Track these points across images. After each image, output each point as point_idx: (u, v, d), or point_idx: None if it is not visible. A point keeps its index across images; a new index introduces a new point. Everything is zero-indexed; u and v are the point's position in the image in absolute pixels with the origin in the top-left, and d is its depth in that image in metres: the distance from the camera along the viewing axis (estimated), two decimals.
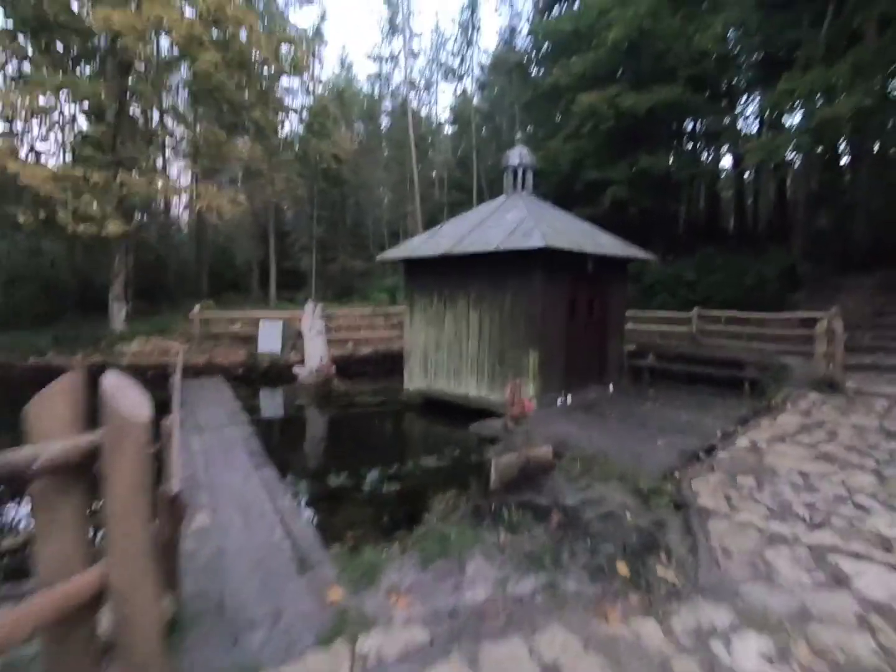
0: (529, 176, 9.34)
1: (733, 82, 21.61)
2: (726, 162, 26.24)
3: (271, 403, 11.14)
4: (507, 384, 7.74)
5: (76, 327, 16.82)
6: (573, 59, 20.34)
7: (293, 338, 14.47)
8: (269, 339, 13.83)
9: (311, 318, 11.35)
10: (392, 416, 9.56)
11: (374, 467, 6.20)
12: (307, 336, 11.43)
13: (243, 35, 14.42)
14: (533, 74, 28.18)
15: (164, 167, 17.33)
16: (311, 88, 16.81)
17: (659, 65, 19.06)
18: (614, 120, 18.71)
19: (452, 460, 6.48)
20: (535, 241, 7.03)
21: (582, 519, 3.23)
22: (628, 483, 4.13)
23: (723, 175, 27.51)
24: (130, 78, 13.40)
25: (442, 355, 9.06)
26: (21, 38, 14.15)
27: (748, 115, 24.38)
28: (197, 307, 14.80)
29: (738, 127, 22.80)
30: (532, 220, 7.80)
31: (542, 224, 7.69)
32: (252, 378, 13.07)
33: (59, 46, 14.25)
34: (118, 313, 14.62)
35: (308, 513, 4.72)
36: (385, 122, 37.06)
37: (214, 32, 11.82)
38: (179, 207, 23.67)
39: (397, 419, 9.41)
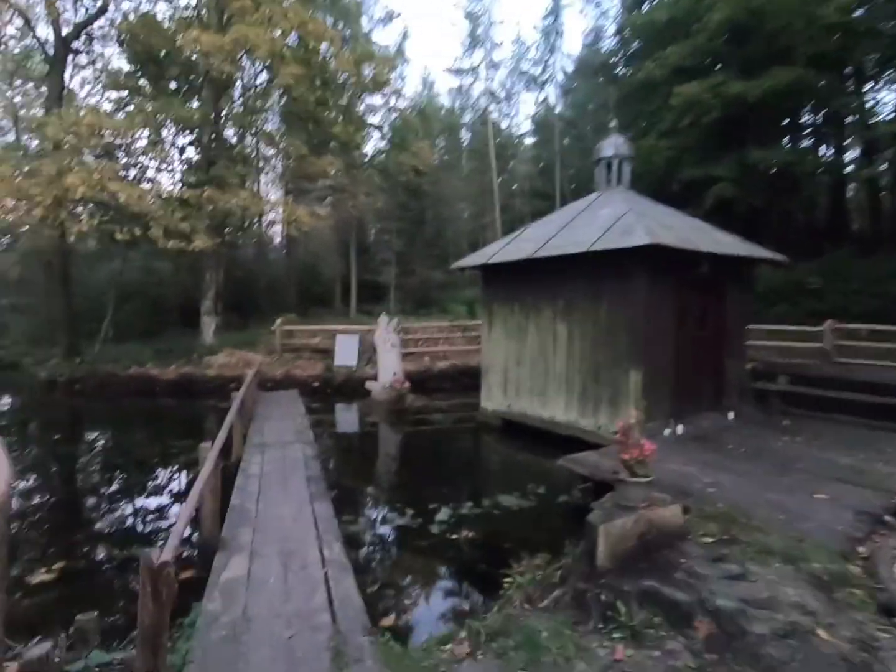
0: (626, 168, 8.14)
1: (863, 59, 18.55)
2: (852, 153, 22.64)
3: (343, 419, 10.73)
4: (612, 413, 6.60)
5: (176, 340, 17.91)
6: (669, 49, 18.60)
7: (369, 352, 14.15)
8: (346, 353, 13.60)
9: (385, 332, 10.86)
10: (468, 439, 8.68)
11: (445, 503, 5.33)
12: (381, 350, 10.95)
13: (325, 50, 14.67)
14: (621, 74, 26.55)
15: (258, 186, 18.12)
16: (392, 104, 16.82)
17: (771, 46, 16.81)
18: (719, 111, 16.71)
19: (538, 500, 5.43)
20: (638, 238, 5.87)
21: (747, 634, 2.11)
22: (796, 563, 2.89)
23: (849, 168, 23.79)
24: (223, 102, 14.04)
25: (524, 372, 8.05)
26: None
27: (881, 100, 20.87)
28: (278, 321, 15.02)
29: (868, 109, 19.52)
30: (633, 215, 6.62)
31: (645, 219, 6.50)
32: (327, 391, 12.87)
33: (169, 83, 15.44)
34: (208, 327, 15.22)
35: (361, 564, 3.92)
36: (465, 135, 36.98)
37: (296, 46, 12.03)
38: (270, 225, 24.77)
39: (473, 443, 8.50)
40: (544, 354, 7.68)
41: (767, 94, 15.95)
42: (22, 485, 6.51)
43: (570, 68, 33.31)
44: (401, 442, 8.69)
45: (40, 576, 3.80)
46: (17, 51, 19.30)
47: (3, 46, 18.89)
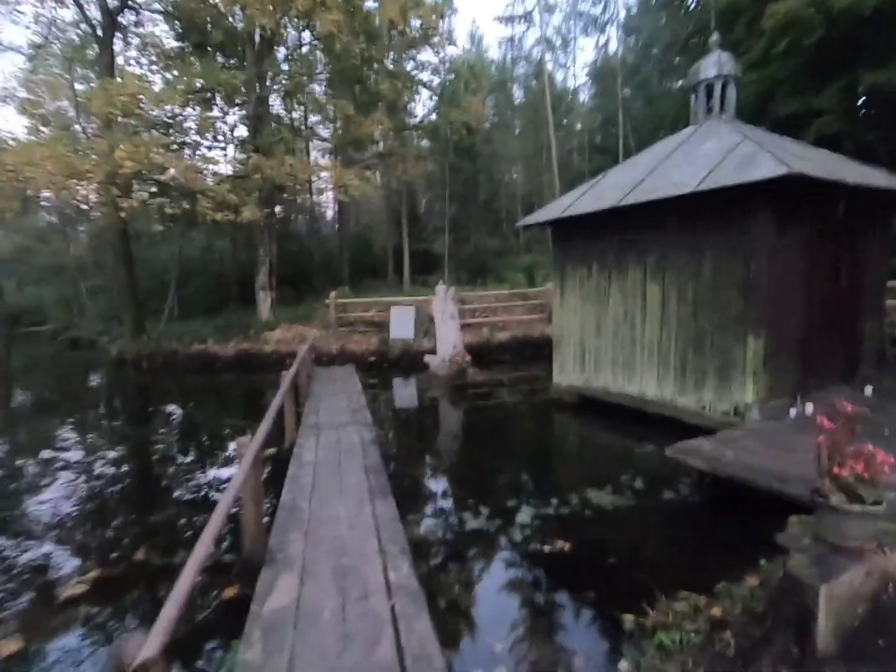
0: (732, 92, 6.67)
1: None
2: None
3: (400, 395, 10.08)
4: (721, 389, 5.44)
5: (235, 316, 18.04)
6: None
7: (426, 323, 13.46)
8: (401, 326, 12.97)
9: (443, 302, 10.04)
10: (539, 418, 7.77)
11: (525, 499, 4.53)
12: (439, 321, 10.16)
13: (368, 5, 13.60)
14: (693, 6, 23.50)
15: (306, 156, 17.48)
16: (441, 55, 15.55)
17: None
18: (823, 30, 14.15)
19: (636, 497, 4.50)
20: (765, 170, 4.60)
21: None
22: None
23: None
24: (267, 65, 13.35)
25: (605, 342, 7.00)
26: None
27: None
28: (332, 294, 14.59)
29: None
30: (751, 144, 5.31)
31: (768, 148, 5.16)
32: (383, 366, 12.35)
33: (214, 53, 14.94)
34: (264, 302, 15.04)
35: (431, 585, 3.17)
36: (517, 91, 34.73)
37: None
38: (320, 194, 24.16)
39: (546, 422, 7.59)
40: (630, 321, 6.58)
41: (885, 4, 13.25)
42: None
43: (633, 3, 30.03)
44: (465, 421, 7.93)
45: (70, 589, 3.36)
46: (73, 38, 19.49)
47: (59, 33, 19.14)
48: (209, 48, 14.32)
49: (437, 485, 5.32)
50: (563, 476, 5.36)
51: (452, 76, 16.67)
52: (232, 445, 6.87)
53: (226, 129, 17.79)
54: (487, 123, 23.04)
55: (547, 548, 3.58)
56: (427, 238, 24.49)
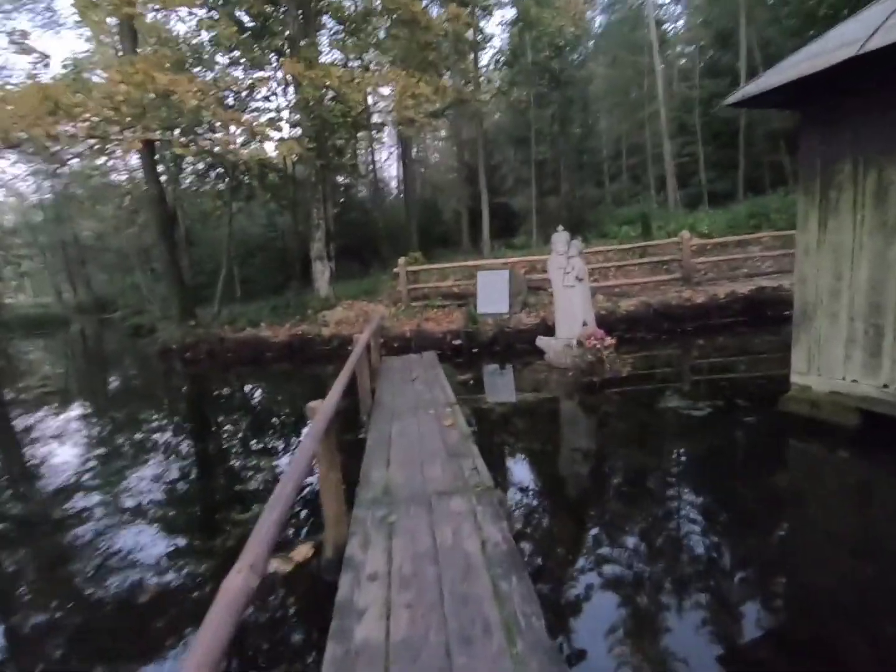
0: None
1: None
2: None
3: (501, 401, 6.65)
4: None
5: (295, 295, 15.86)
6: None
7: (524, 293, 10.23)
8: (492, 296, 9.83)
9: (564, 258, 6.70)
10: (783, 457, 4.27)
11: None
12: (558, 287, 6.87)
13: None
14: None
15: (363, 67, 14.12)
16: None
17: None
18: None
19: None
20: None
21: None
22: None
23: None
24: None
25: None
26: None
27: None
28: (401, 260, 11.71)
29: None
30: None
31: None
32: (472, 351, 9.32)
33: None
34: (322, 275, 12.50)
35: None
36: (598, 18, 29.51)
37: None
38: (381, 130, 20.57)
39: (807, 469, 4.12)
40: None
41: None
42: None
43: None
44: (631, 460, 4.61)
45: None
46: None
47: None
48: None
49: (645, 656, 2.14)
50: None
51: None
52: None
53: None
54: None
55: None
56: (506, 192, 20.78)
